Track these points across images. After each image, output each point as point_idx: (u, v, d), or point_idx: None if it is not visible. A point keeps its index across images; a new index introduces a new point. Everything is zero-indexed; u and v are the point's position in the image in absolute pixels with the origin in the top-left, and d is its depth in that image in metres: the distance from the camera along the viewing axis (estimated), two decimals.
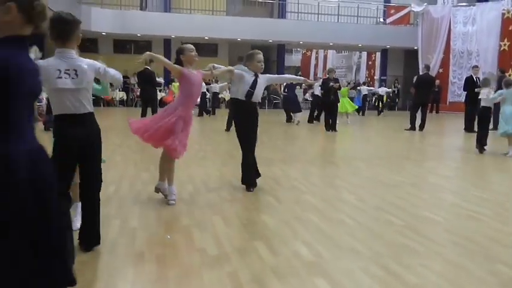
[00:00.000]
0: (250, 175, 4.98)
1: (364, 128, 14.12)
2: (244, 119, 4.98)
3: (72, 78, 2.90)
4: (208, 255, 3.12)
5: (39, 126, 10.19)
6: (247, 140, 4.95)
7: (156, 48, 22.20)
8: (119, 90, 20.60)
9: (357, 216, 4.11)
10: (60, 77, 2.87)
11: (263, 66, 5.02)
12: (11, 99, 1.57)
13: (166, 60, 4.38)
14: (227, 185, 5.22)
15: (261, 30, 20.97)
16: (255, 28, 20.84)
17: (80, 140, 2.96)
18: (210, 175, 5.76)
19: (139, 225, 3.76)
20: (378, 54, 25.90)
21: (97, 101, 20.25)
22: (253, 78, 4.91)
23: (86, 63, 2.99)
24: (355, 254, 3.18)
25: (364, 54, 28.45)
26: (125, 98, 21.08)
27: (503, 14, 19.39)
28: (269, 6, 24.35)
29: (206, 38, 20.69)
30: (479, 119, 8.78)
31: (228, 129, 10.80)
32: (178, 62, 4.37)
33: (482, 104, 8.67)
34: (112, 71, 3.22)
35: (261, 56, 4.99)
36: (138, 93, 19.48)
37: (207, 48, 22.48)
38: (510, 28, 19.08)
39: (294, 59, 33.28)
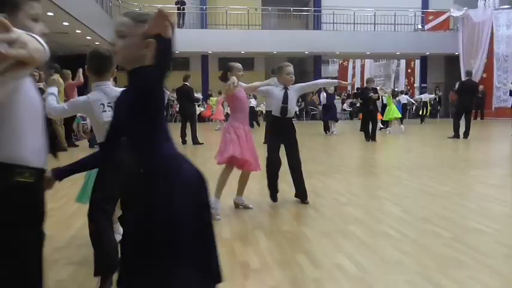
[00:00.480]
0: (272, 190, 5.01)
1: (406, 137, 13.81)
2: (276, 136, 4.99)
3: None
4: (250, 268, 3.11)
5: (85, 143, 10.56)
6: (268, 156, 4.94)
7: (193, 64, 22.67)
8: None
9: (402, 228, 4.00)
10: (105, 111, 2.95)
11: (293, 79, 4.94)
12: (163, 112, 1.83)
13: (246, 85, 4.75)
14: (268, 198, 5.21)
15: (297, 42, 21.01)
16: (290, 40, 20.90)
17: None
18: (251, 188, 5.76)
19: None
20: (417, 62, 25.38)
21: None
22: (283, 91, 4.86)
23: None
24: (401, 267, 3.09)
25: (403, 62, 27.95)
26: (164, 114, 21.53)
27: None
28: (304, 18, 24.39)
29: (242, 52, 20.92)
30: None
31: (266, 141, 10.80)
32: (224, 77, 4.51)
33: None
34: None
35: (290, 68, 4.92)
36: (177, 109, 19.97)
37: (244, 62, 22.37)
38: None
39: (330, 69, 33.10)
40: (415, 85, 26.12)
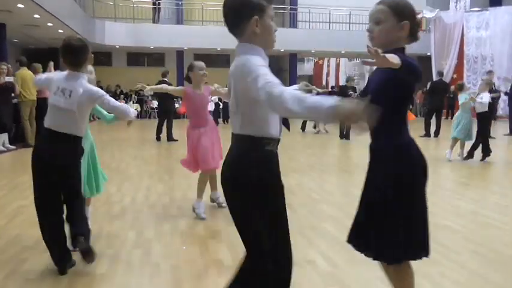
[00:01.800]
0: None
1: None
2: None
3: (66, 98, 2.90)
4: (224, 266, 3.11)
5: None
6: None
7: (169, 61, 22.47)
8: (133, 102, 20.82)
9: None
10: (55, 94, 2.92)
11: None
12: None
13: (165, 87, 4.56)
14: None
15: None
16: None
17: (50, 157, 2.93)
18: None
19: (155, 236, 3.77)
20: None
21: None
22: None
23: (84, 88, 2.93)
24: (373, 264, 3.13)
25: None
26: (139, 110, 21.28)
27: None
28: (280, 16, 24.45)
29: (218, 49, 20.84)
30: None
31: None
32: (187, 77, 4.48)
33: (480, 110, 8.01)
34: (119, 106, 3.11)
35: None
36: (153, 106, 19.75)
37: (220, 59, 22.62)
38: None
39: (306, 67, 33.30)
40: None
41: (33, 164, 2.97)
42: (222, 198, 4.74)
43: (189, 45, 20.43)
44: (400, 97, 1.97)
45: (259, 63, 1.69)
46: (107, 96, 3.04)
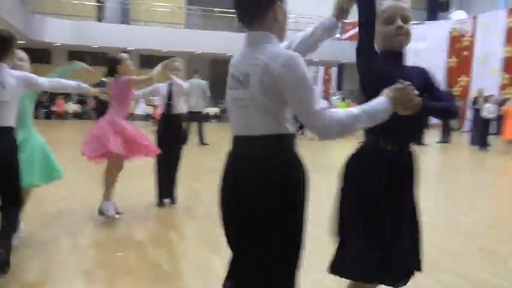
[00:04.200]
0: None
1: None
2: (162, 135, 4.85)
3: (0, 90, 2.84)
4: (162, 271, 3.07)
5: None
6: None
7: None
8: (73, 103, 20.14)
9: (312, 230, 4.15)
10: None
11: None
12: None
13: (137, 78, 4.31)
14: (185, 199, 5.17)
15: (222, 43, 21.03)
16: (215, 41, 20.88)
17: None
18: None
19: (90, 242, 3.66)
20: (335, 69, 26.51)
21: (48, 114, 19.70)
22: (169, 87, 4.75)
23: (15, 77, 2.93)
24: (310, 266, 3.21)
25: (321, 68, 29.04)
26: (79, 110, 20.58)
27: (450, 33, 20.37)
28: (230, 20, 24.51)
29: (165, 50, 20.56)
30: None
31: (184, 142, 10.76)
32: (113, 72, 4.26)
33: None
34: (55, 81, 3.27)
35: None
36: (95, 106, 19.12)
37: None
38: (457, 46, 20.04)
39: None
40: (331, 91, 27.25)
41: None
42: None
43: (135, 45, 20.00)
44: None
45: (307, 71, 1.56)
46: (40, 78, 3.11)
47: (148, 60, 22.57)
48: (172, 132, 4.82)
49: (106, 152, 3.98)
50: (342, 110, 1.57)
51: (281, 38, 1.69)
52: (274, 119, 1.57)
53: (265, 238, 1.58)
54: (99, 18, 20.87)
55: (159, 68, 4.42)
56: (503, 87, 17.67)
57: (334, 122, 1.50)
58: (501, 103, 12.56)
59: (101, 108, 11.18)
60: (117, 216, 4.19)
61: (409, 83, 1.63)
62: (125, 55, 4.39)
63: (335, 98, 20.57)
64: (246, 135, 1.63)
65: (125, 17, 21.36)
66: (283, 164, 1.59)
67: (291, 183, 1.59)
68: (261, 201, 1.56)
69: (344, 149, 1.92)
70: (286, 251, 1.61)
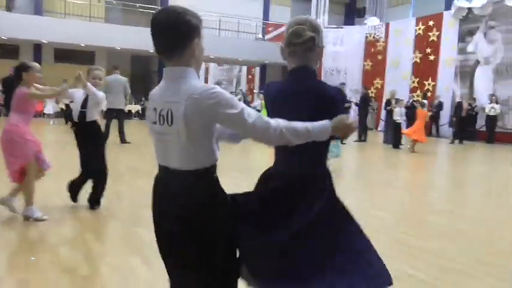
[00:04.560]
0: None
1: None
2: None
3: None
4: (77, 275, 2.94)
5: None
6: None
7: (24, 54, 20.51)
8: None
9: None
10: None
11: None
12: None
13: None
14: (104, 198, 4.98)
15: (142, 39, 20.37)
16: (135, 37, 20.29)
17: None
18: (83, 189, 5.46)
19: (0, 246, 3.42)
20: (258, 69, 26.91)
21: None
22: (85, 95, 4.59)
23: None
24: None
25: (245, 68, 29.35)
26: None
27: (366, 37, 21.49)
28: (151, 16, 23.95)
29: (82, 45, 19.66)
30: None
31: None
32: (19, 79, 4.08)
33: None
34: None
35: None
36: (2, 102, 17.81)
37: (84, 56, 21.36)
38: (372, 50, 21.20)
39: None
40: (254, 91, 27.64)
41: None
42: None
43: (49, 38, 18.90)
44: None
45: (230, 95, 1.62)
46: None
47: (64, 54, 21.46)
48: (87, 138, 4.66)
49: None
50: (282, 120, 1.66)
51: (198, 71, 1.74)
52: (194, 155, 1.63)
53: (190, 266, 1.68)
54: (9, 8, 19.46)
55: (71, 82, 4.36)
56: (412, 90, 18.98)
57: (271, 130, 1.62)
58: (410, 106, 13.53)
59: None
60: (45, 217, 4.06)
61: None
62: (36, 65, 4.17)
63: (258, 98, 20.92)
64: (166, 167, 1.68)
65: (38, 7, 20.10)
66: (202, 198, 1.65)
67: (209, 217, 1.65)
68: (182, 233, 1.65)
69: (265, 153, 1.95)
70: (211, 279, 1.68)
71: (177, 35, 1.65)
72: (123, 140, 10.70)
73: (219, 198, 1.70)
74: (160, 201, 1.73)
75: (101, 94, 4.59)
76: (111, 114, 10.74)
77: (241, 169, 7.82)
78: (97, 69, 4.74)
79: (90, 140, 4.67)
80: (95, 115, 4.69)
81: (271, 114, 1.83)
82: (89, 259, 3.21)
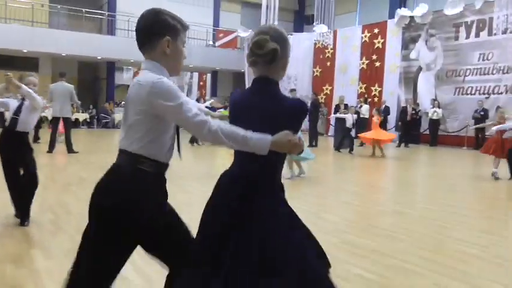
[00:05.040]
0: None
1: (195, 148, 14.41)
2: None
3: None
4: None
5: None
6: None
7: None
8: None
9: None
10: None
11: None
12: None
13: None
14: (49, 213, 4.80)
15: (89, 46, 19.95)
16: (82, 43, 19.73)
17: None
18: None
19: None
20: (209, 76, 26.84)
21: None
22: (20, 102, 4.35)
23: None
24: None
25: (196, 74, 29.20)
26: None
27: (315, 44, 21.95)
28: (98, 22, 23.38)
29: (25, 51, 18.88)
30: None
31: (50, 150, 10.00)
32: None
33: None
34: None
35: None
36: None
37: (27, 63, 20.52)
38: (321, 56, 21.68)
39: (125, 77, 32.38)
40: (206, 97, 27.53)
41: None
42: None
43: None
44: None
45: (176, 87, 1.71)
46: None
47: (4, 61, 20.49)
48: (15, 151, 4.28)
49: None
50: (223, 123, 1.73)
51: (172, 71, 1.84)
52: (129, 136, 1.76)
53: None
54: None
55: (0, 88, 4.16)
56: (360, 95, 19.56)
57: (205, 128, 1.71)
58: (357, 111, 14.00)
59: None
60: None
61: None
62: None
63: (209, 102, 20.82)
64: (120, 149, 1.82)
65: None
66: (122, 179, 1.77)
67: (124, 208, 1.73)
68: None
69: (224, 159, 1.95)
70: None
71: (146, 31, 1.79)
72: (70, 150, 10.33)
73: (134, 192, 1.74)
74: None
75: (39, 98, 4.32)
76: (57, 123, 10.38)
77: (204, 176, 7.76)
78: (31, 75, 4.47)
79: (16, 153, 4.29)
80: (29, 125, 4.35)
81: (231, 121, 1.87)
82: (35, 276, 3.07)
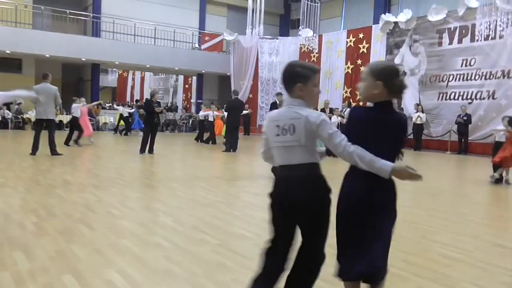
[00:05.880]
0: None
1: (182, 150, 14.33)
2: None
3: None
4: None
5: None
6: None
7: None
8: None
9: (173, 238, 4.14)
10: None
11: None
12: None
13: None
14: (32, 214, 4.72)
15: (73, 47, 19.76)
16: (66, 45, 19.54)
17: None
18: (12, 204, 5.15)
19: None
20: (194, 78, 26.78)
21: None
22: None
23: None
24: (171, 277, 3.19)
25: (181, 77, 29.10)
26: None
27: (300, 48, 22.06)
28: (82, 23, 23.16)
29: (8, 52, 18.62)
30: None
31: (33, 152, 9.86)
32: None
33: None
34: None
35: None
36: None
37: (10, 64, 20.25)
38: (307, 60, 21.74)
39: (109, 79, 32.15)
40: (192, 100, 27.46)
41: None
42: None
43: None
44: None
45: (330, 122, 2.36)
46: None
47: None
48: None
49: None
50: (355, 146, 2.29)
51: (310, 104, 2.39)
52: (309, 153, 2.36)
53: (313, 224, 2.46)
54: None
55: None
56: (345, 99, 19.70)
57: (346, 151, 2.31)
58: (341, 115, 14.11)
59: None
60: None
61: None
62: None
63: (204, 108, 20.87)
64: (290, 164, 2.37)
65: None
66: (314, 180, 2.43)
67: (320, 191, 2.45)
68: (303, 204, 2.38)
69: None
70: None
71: (284, 80, 2.45)
72: (53, 152, 10.20)
73: (325, 184, 2.47)
74: (287, 190, 2.37)
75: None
76: (40, 124, 10.25)
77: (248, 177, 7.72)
78: None
79: None
80: None
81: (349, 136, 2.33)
82: (17, 280, 3.02)
